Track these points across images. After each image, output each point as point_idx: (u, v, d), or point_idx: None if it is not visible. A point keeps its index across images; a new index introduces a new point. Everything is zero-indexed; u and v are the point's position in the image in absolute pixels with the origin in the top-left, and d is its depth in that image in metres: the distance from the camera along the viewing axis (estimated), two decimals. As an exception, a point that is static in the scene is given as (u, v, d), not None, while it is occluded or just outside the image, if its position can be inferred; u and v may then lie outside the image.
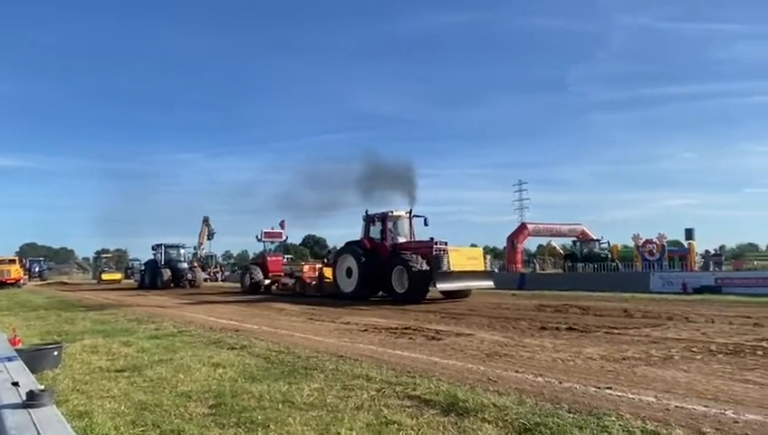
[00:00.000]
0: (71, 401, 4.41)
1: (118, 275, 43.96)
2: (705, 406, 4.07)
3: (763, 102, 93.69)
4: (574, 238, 36.63)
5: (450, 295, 15.45)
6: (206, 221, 33.06)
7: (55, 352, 6.03)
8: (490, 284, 16.48)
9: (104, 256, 53.18)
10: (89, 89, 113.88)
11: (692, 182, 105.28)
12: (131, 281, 40.18)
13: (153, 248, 31.60)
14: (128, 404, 4.33)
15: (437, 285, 14.61)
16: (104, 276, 42.59)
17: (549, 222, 40.10)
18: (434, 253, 14.84)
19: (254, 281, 22.95)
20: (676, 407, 4.05)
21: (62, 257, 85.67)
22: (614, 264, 29.36)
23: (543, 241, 41.19)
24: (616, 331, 8.56)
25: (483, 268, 16.14)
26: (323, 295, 18.24)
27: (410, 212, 17.53)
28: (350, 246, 17.39)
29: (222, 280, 38.54)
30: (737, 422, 3.63)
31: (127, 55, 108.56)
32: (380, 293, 16.70)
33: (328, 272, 18.94)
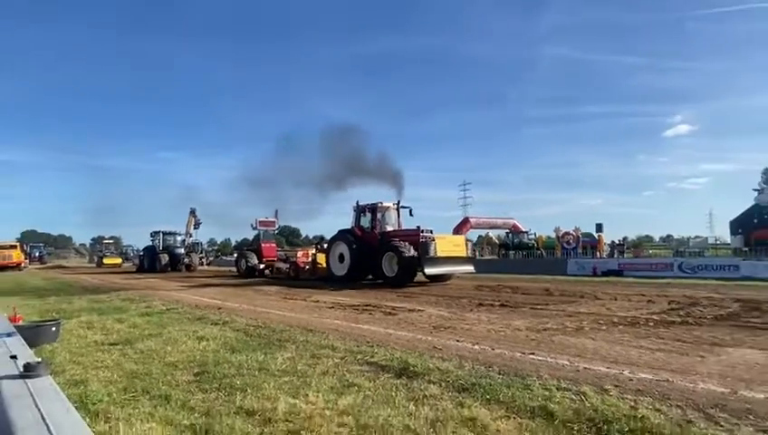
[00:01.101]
0: (67, 372, 4.21)
1: (118, 260, 41.43)
2: (608, 367, 4.25)
3: (656, 122, 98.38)
4: (508, 230, 37.38)
5: (435, 279, 14.67)
6: (192, 212, 31.64)
7: (54, 328, 5.72)
8: (471, 269, 15.62)
9: (106, 241, 49.32)
10: (71, 88, 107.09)
11: (602, 185, 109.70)
12: (128, 265, 38.28)
13: (151, 235, 29.64)
14: (120, 373, 4.17)
15: (426, 270, 13.79)
16: (106, 260, 40.13)
17: (487, 216, 40.70)
18: (422, 240, 14.04)
19: (250, 266, 21.65)
20: (585, 368, 4.22)
21: (60, 244, 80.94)
22: (539, 252, 30.26)
23: (483, 232, 41.88)
24: (539, 307, 8.81)
25: (465, 254, 15.32)
26: (317, 279, 17.39)
27: (398, 203, 16.56)
28: (343, 234, 16.44)
29: (207, 264, 37.32)
30: (631, 380, 3.81)
31: (125, 60, 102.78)
32: (369, 276, 15.81)
33: (321, 258, 17.95)
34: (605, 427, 2.78)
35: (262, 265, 21.72)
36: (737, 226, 26.35)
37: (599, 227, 27.03)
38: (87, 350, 5.24)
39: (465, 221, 39.85)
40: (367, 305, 9.26)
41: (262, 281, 17.98)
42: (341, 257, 16.05)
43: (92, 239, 72.93)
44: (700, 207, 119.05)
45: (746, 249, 22.93)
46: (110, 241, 49.97)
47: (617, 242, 26.41)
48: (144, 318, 7.66)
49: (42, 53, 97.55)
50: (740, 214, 26.53)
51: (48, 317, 7.11)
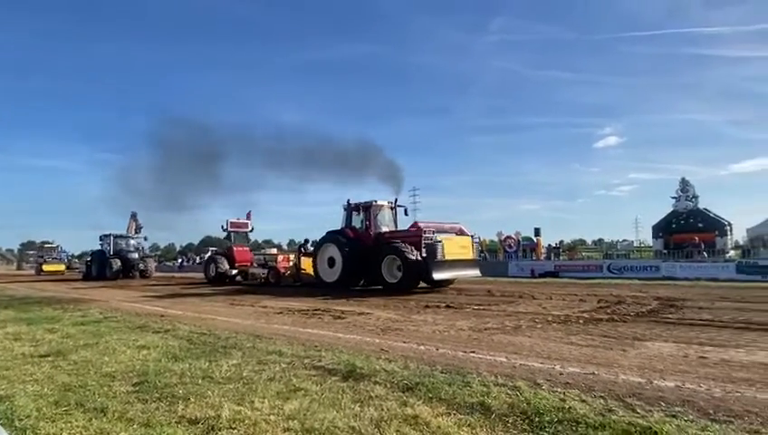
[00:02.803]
0: (-9, 387, 3.89)
1: (61, 267, 36.60)
2: (541, 363, 4.48)
3: (588, 133, 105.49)
4: (454, 234, 38.28)
5: (437, 284, 13.17)
6: (133, 216, 29.82)
7: None
8: (477, 273, 14.26)
9: (47, 245, 42.04)
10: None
11: (541, 192, 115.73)
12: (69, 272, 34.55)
13: (101, 239, 26.66)
14: (51, 387, 3.89)
15: (434, 275, 12.32)
16: (46, 267, 35.30)
17: (435, 221, 41.43)
18: (429, 242, 12.66)
19: (221, 271, 19.84)
20: (521, 364, 4.43)
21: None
22: (483, 254, 31.14)
23: (430, 236, 42.62)
24: (481, 307, 9.12)
25: (471, 257, 13.93)
26: (302, 285, 15.83)
27: (395, 202, 15.17)
28: (333, 236, 14.62)
29: None
30: (562, 374, 4.05)
31: (65, 62, 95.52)
32: (362, 282, 14.34)
33: (306, 262, 16.19)
34: (536, 418, 2.95)
35: (234, 271, 20.17)
36: (658, 230, 28.38)
37: (537, 232, 28.18)
38: (14, 362, 4.85)
39: (414, 225, 40.32)
40: (316, 310, 9.17)
41: (240, 288, 16.57)
42: (332, 262, 14.45)
43: (21, 244, 67.06)
44: (627, 213, 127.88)
45: (666, 251, 24.80)
46: (53, 245, 42.38)
47: (553, 245, 27.67)
48: (78, 327, 7.16)
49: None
50: (660, 219, 28.63)
51: None
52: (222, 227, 22.14)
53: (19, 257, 59.20)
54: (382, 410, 3.17)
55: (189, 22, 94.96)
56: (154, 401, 3.44)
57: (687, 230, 26.62)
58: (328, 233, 15.04)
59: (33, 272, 37.76)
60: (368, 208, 14.63)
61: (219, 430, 2.88)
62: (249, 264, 20.42)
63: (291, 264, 17.86)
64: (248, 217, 23.12)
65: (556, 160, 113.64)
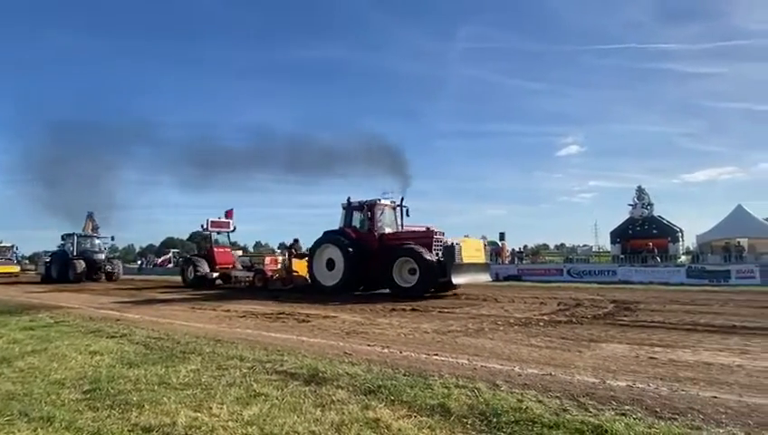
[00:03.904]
0: (-75, 397, 3.63)
1: (15, 268, 33.66)
2: (501, 365, 4.57)
3: (551, 142, 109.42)
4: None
5: (443, 289, 12.34)
6: (90, 216, 28.46)
7: None
8: (488, 278, 13.74)
9: (0, 244, 37.57)
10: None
11: (506, 197, 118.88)
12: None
13: (63, 238, 25.10)
14: (-7, 395, 3.69)
15: (453, 279, 11.55)
16: None
17: (406, 224, 41.69)
18: (444, 244, 12.19)
19: (200, 275, 18.51)
20: (482, 366, 4.50)
21: None
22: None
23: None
24: (446, 310, 9.21)
25: (485, 261, 13.37)
26: (292, 290, 14.71)
27: (402, 201, 14.14)
28: (333, 236, 13.62)
29: None
30: (520, 375, 4.15)
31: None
32: (361, 287, 13.50)
33: (298, 265, 15.24)
34: (494, 419, 3.01)
35: (215, 274, 18.97)
36: (616, 235, 29.62)
37: (502, 236, 28.77)
38: (-48, 371, 4.56)
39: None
40: (281, 313, 9.03)
41: (207, 293, 15.32)
42: (331, 264, 13.43)
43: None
44: (587, 219, 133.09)
45: (623, 256, 25.86)
46: (5, 245, 38.00)
47: (517, 250, 28.35)
48: (26, 332, 6.78)
49: None
50: (618, 225, 29.87)
51: None
52: (201, 226, 20.61)
53: None
54: (344, 413, 3.16)
55: (152, 17, 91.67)
56: (106, 409, 3.30)
57: (643, 236, 27.93)
58: (325, 233, 14.03)
59: None
60: (372, 207, 13.68)
61: (174, 438, 2.79)
62: (231, 266, 19.41)
63: (279, 266, 16.90)
64: (228, 215, 21.35)
65: (521, 167, 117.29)
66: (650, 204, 28.69)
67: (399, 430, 2.89)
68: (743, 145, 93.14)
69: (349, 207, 14.05)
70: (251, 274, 17.51)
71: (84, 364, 4.69)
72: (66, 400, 3.55)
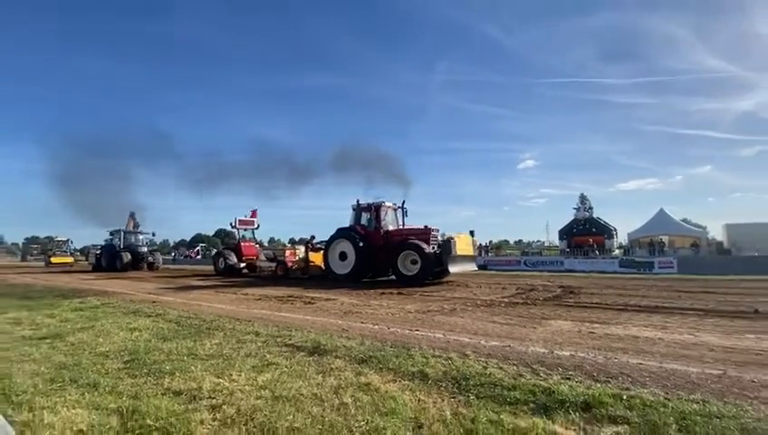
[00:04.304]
0: (-10, 367, 3.54)
1: (69, 259, 33.16)
2: (470, 338, 4.59)
3: (512, 157, 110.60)
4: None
5: (436, 276, 12.24)
6: (132, 216, 27.88)
7: None
8: (475, 267, 13.94)
9: (58, 239, 37.11)
10: None
11: (475, 201, 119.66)
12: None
13: (111, 234, 24.21)
14: (48, 365, 3.59)
15: (450, 268, 11.67)
16: (54, 259, 31.72)
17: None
18: (440, 239, 12.21)
19: (229, 265, 18.10)
20: (454, 339, 4.52)
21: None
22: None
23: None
24: (426, 294, 9.21)
25: (473, 253, 13.46)
26: (309, 278, 14.43)
27: (403, 203, 14.06)
28: (347, 232, 13.44)
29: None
30: (485, 347, 4.16)
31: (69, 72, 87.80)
32: (369, 275, 13.29)
33: (315, 256, 15.01)
34: (463, 382, 3.02)
35: (242, 264, 18.48)
36: (563, 233, 29.96)
37: (472, 233, 28.90)
38: (13, 345, 4.43)
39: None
40: (290, 296, 8.95)
41: (249, 280, 15.08)
42: (343, 256, 13.34)
43: (26, 239, 61.48)
44: (540, 219, 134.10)
45: (568, 250, 26.14)
46: (62, 239, 37.26)
47: (484, 244, 28.46)
48: (76, 313, 6.64)
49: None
50: (565, 225, 30.20)
51: None
52: (230, 224, 20.10)
53: (23, 250, 54.20)
54: (341, 379, 3.14)
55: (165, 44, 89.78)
56: (143, 377, 3.25)
57: (584, 234, 28.29)
58: (338, 230, 13.83)
59: (39, 264, 34.60)
60: (377, 209, 13.60)
61: (200, 400, 2.76)
62: (255, 257, 18.88)
63: (297, 258, 16.46)
64: (253, 215, 20.63)
65: (488, 177, 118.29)
66: (591, 208, 29.34)
67: (386, 391, 2.88)
68: (664, 161, 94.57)
69: (358, 208, 13.96)
70: (273, 264, 17.09)
71: (125, 339, 4.62)
72: (109, 369, 3.49)
